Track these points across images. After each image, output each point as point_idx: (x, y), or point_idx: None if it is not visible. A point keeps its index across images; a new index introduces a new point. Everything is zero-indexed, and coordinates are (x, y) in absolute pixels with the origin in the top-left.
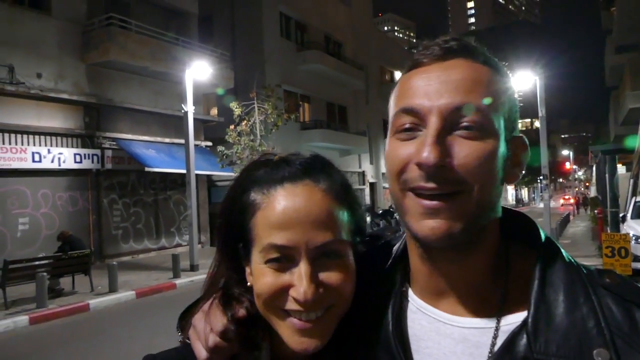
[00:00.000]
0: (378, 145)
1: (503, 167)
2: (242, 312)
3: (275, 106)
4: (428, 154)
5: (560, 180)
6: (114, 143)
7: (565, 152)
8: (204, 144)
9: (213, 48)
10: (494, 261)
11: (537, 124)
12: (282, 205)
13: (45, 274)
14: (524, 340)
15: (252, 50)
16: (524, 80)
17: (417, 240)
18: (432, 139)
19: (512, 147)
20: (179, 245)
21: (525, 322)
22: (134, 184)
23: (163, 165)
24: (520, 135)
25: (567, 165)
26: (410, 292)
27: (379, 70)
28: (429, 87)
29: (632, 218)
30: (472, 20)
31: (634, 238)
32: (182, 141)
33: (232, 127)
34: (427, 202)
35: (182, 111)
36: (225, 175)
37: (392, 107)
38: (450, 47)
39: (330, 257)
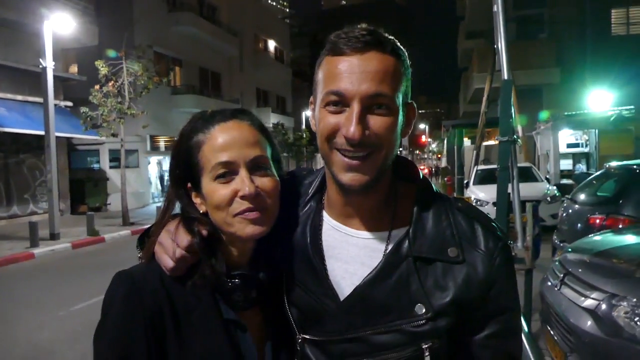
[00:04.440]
0: None
1: (401, 129)
2: (204, 230)
3: (146, 68)
4: (353, 131)
5: (417, 152)
6: None
7: (422, 126)
8: (63, 103)
9: None
10: (388, 193)
11: None
12: (220, 134)
13: None
14: (406, 244)
15: (119, 6)
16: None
17: (339, 185)
18: (356, 119)
19: (407, 111)
20: (34, 213)
21: (407, 233)
22: None
23: (16, 125)
24: (412, 102)
25: (423, 138)
26: (326, 215)
27: (253, 39)
28: (352, 76)
29: (474, 184)
30: None
31: (474, 201)
32: (38, 99)
33: (97, 87)
34: (348, 160)
35: (40, 67)
36: (89, 138)
37: (320, 83)
38: (367, 41)
39: (260, 169)
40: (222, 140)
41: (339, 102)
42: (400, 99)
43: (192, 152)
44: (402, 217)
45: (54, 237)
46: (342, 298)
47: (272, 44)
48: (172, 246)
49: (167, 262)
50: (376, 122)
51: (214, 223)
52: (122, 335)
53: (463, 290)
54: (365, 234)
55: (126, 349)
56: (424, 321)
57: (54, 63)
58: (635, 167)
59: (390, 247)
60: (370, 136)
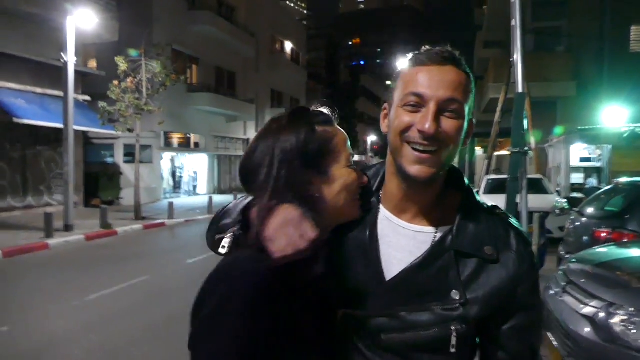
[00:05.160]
0: (265, 114)
1: (464, 136)
2: (325, 234)
3: (165, 66)
4: (429, 126)
5: None
6: None
7: None
8: (82, 98)
9: None
10: (438, 195)
11: None
12: (340, 131)
13: None
14: (449, 239)
15: (140, 3)
16: (403, 61)
17: (404, 177)
18: (432, 117)
19: (468, 125)
20: (48, 204)
21: (451, 230)
22: None
23: (35, 117)
24: (472, 118)
25: None
26: (382, 208)
27: (270, 39)
28: (431, 82)
29: (484, 193)
30: None
31: None
32: (57, 93)
33: (116, 82)
34: (418, 154)
35: (62, 61)
36: (105, 132)
37: (400, 87)
38: (445, 57)
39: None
40: (345, 136)
41: (417, 103)
42: (467, 110)
43: (325, 143)
44: (448, 217)
45: (68, 228)
46: (387, 280)
47: (288, 46)
48: (295, 235)
49: (286, 249)
50: (447, 123)
51: (329, 205)
52: (251, 328)
53: (495, 285)
54: (416, 227)
55: (253, 342)
56: (457, 305)
57: (75, 58)
58: None
59: (435, 240)
60: (441, 133)
